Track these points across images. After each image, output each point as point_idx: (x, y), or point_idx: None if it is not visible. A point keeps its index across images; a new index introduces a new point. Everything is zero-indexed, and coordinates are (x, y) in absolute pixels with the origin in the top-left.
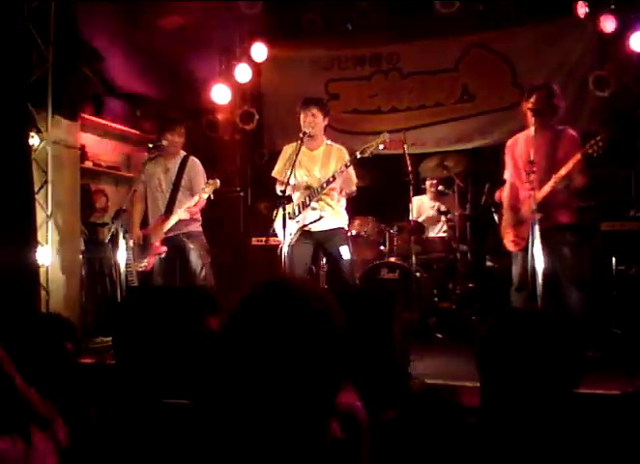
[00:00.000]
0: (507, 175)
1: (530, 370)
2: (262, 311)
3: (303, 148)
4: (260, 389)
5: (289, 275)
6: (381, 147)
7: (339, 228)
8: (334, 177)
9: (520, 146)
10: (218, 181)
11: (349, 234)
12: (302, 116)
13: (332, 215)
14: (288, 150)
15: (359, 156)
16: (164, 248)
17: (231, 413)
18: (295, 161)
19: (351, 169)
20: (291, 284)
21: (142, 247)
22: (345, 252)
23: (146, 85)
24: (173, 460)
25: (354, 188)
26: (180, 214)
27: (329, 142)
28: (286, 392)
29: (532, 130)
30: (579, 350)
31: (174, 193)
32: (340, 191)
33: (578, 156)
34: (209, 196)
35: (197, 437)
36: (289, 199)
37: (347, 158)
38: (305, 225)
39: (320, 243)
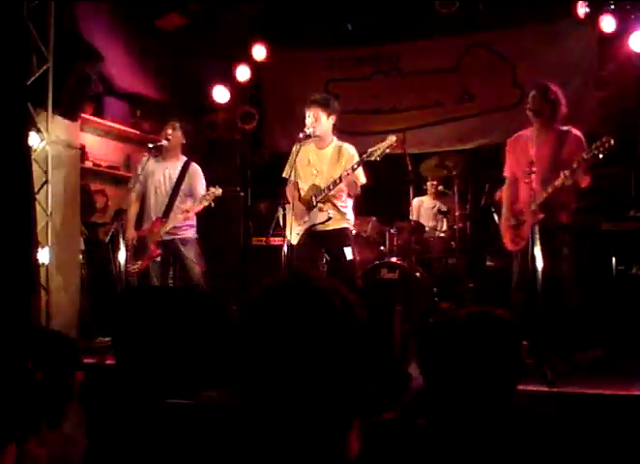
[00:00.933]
0: (506, 172)
1: (469, 373)
2: (283, 307)
3: (312, 147)
4: (282, 385)
5: (309, 272)
6: (388, 150)
7: (344, 228)
8: (340, 179)
9: (523, 144)
10: (220, 190)
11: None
12: (306, 115)
13: (338, 215)
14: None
15: (365, 159)
16: (159, 252)
17: (252, 410)
18: (295, 161)
19: (358, 170)
20: (313, 280)
21: (136, 249)
22: (348, 253)
23: (146, 85)
24: (175, 460)
25: (359, 191)
26: (177, 217)
27: (339, 142)
28: (310, 389)
29: (532, 129)
30: (515, 353)
31: (173, 197)
32: (346, 193)
33: (583, 156)
34: (209, 204)
35: (203, 436)
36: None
37: (357, 157)
38: (313, 225)
39: (324, 242)
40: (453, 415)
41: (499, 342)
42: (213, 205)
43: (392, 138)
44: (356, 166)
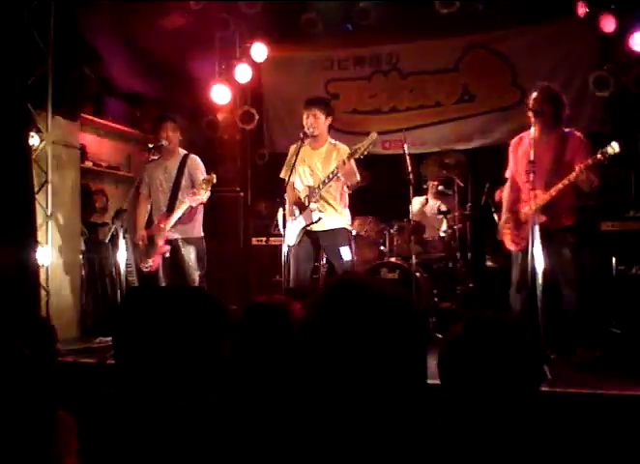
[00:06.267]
0: (508, 173)
1: (490, 375)
2: (345, 307)
3: (307, 147)
4: (351, 379)
5: (361, 275)
6: (371, 147)
7: (341, 228)
8: (329, 178)
9: (524, 145)
10: (215, 176)
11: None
12: (304, 116)
13: (333, 214)
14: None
15: (349, 158)
16: (168, 247)
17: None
18: (294, 163)
19: (353, 163)
20: (367, 281)
21: (147, 247)
22: (346, 253)
23: (146, 85)
24: (174, 460)
25: (355, 181)
26: (180, 209)
27: (333, 141)
28: (377, 382)
29: (533, 130)
30: (536, 355)
31: (175, 192)
32: (343, 186)
33: (589, 162)
34: (206, 192)
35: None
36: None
37: (349, 151)
38: (307, 225)
39: (321, 242)
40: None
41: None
42: (209, 194)
43: (373, 135)
44: (338, 169)
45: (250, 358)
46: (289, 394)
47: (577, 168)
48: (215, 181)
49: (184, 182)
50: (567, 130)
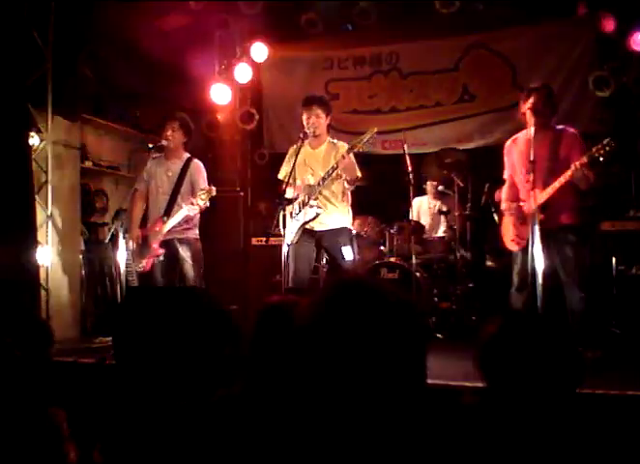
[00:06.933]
0: (506, 175)
1: (532, 372)
2: (348, 308)
3: (307, 147)
4: (351, 380)
5: (362, 275)
6: (371, 142)
7: (343, 228)
8: (328, 173)
9: (520, 146)
10: (214, 188)
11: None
12: (305, 116)
13: (335, 213)
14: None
15: (348, 152)
16: (162, 251)
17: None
18: (295, 162)
19: (352, 158)
20: (368, 281)
21: (141, 248)
22: (348, 253)
23: (146, 85)
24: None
25: (355, 176)
26: (177, 215)
27: (332, 140)
28: (377, 383)
29: (531, 130)
30: (577, 352)
31: (174, 196)
32: (344, 183)
33: (584, 159)
34: (204, 203)
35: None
36: (291, 199)
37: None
38: (305, 223)
39: (322, 242)
40: (516, 411)
41: (566, 341)
42: (208, 205)
43: (372, 130)
44: (335, 166)
45: (267, 358)
46: (298, 395)
47: (573, 166)
48: (214, 193)
49: (184, 187)
50: (560, 126)
